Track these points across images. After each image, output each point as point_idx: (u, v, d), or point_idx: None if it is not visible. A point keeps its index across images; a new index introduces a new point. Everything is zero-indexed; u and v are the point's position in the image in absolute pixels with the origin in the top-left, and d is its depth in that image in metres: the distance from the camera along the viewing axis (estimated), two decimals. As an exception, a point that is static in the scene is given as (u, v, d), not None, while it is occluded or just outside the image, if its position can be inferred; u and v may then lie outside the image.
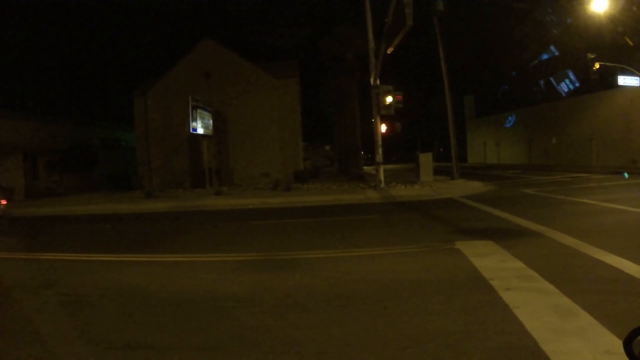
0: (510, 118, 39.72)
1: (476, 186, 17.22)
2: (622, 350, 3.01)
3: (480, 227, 8.48)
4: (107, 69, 39.87)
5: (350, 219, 10.75)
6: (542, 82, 39.72)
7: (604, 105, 26.78)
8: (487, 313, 3.88)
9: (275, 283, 5.32)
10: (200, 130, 20.13)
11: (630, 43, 23.60)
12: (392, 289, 4.79)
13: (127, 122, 27.27)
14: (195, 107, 19.53)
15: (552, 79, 38.07)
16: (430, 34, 20.82)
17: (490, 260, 5.61)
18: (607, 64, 21.67)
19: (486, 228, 8.25)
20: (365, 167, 30.98)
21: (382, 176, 17.08)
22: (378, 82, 16.60)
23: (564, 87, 36.89)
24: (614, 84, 23.11)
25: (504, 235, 7.31)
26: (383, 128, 18.49)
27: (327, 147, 45.60)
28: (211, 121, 21.48)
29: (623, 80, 21.85)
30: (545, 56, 38.56)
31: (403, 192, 15.51)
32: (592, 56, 21.01)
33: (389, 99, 16.61)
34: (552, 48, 37.17)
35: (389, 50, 14.60)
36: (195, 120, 19.51)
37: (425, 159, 19.39)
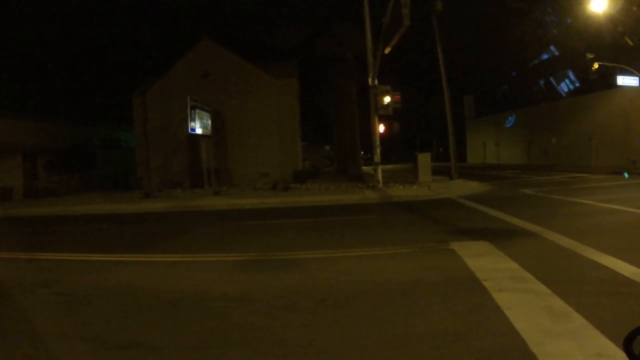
0: (510, 118, 39.69)
1: (474, 186, 17.20)
2: (613, 353, 3.03)
3: (477, 227, 8.46)
4: (107, 69, 39.91)
5: (347, 219, 10.75)
6: (542, 82, 39.70)
7: (604, 106, 26.75)
8: (479, 314, 3.86)
9: (270, 283, 5.33)
10: (198, 130, 20.12)
11: (630, 43, 23.56)
12: (384, 290, 4.78)
13: (127, 122, 27.28)
14: (193, 107, 19.53)
15: (552, 79, 38.05)
16: (430, 34, 20.79)
17: (485, 261, 5.58)
18: (607, 64, 21.66)
19: (482, 228, 8.23)
20: (364, 167, 30.97)
21: (380, 176, 17.06)
22: (376, 82, 16.59)
23: (563, 87, 36.86)
24: (613, 84, 23.10)
25: (499, 235, 7.29)
26: (381, 128, 18.49)
27: (327, 147, 45.60)
28: (210, 121, 21.48)
29: (622, 80, 21.84)
30: (545, 56, 38.54)
31: (401, 192, 15.49)
32: (591, 56, 21.00)
33: (387, 99, 16.60)
34: (552, 48, 37.16)
35: (387, 51, 14.58)
36: (193, 120, 19.51)
37: (424, 159, 19.37)
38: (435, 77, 21.75)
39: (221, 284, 5.40)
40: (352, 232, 8.86)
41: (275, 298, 4.65)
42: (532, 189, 15.60)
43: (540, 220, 8.44)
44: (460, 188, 16.52)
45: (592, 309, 3.78)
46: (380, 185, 16.86)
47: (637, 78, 21.63)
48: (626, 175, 18.14)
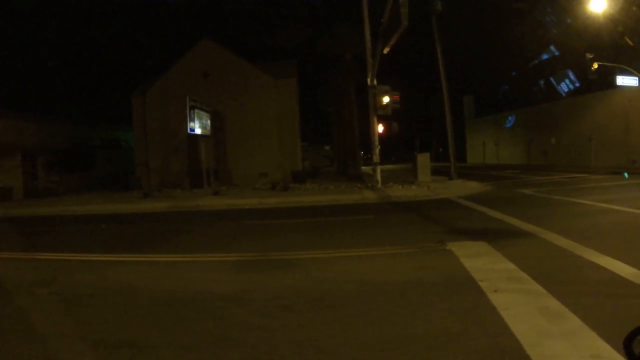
0: (510, 118, 39.69)
1: (474, 186, 17.19)
2: (609, 354, 3.02)
3: (475, 227, 8.46)
4: (107, 69, 39.91)
5: (345, 219, 10.75)
6: (542, 82, 39.68)
7: (603, 106, 26.73)
8: (474, 315, 3.85)
9: (266, 283, 5.33)
10: (198, 131, 20.12)
11: (630, 43, 23.55)
12: (380, 290, 4.77)
13: (127, 122, 27.27)
14: (193, 107, 19.52)
15: (552, 79, 38.02)
16: (430, 34, 20.78)
17: (481, 262, 5.57)
18: (606, 64, 21.65)
19: (480, 229, 8.23)
20: (364, 167, 30.96)
21: (379, 176, 17.05)
22: (375, 82, 16.58)
23: (563, 87, 36.84)
24: (612, 84, 23.08)
25: (497, 236, 7.28)
26: (380, 128, 18.48)
27: (327, 148, 45.58)
28: (209, 121, 21.47)
29: (622, 80, 21.83)
30: (545, 56, 38.51)
31: (400, 192, 15.48)
32: (591, 56, 20.99)
33: (386, 99, 16.60)
34: (552, 48, 37.12)
35: (385, 51, 14.58)
36: (193, 120, 19.51)
37: (423, 159, 19.37)
38: (435, 77, 21.75)
39: (219, 284, 5.41)
40: (350, 232, 8.86)
41: (273, 298, 4.65)
42: (531, 189, 15.58)
43: (538, 220, 8.43)
44: (459, 188, 16.51)
45: (588, 310, 3.76)
46: (379, 185, 16.85)
47: (637, 78, 21.62)
48: (626, 175, 18.12)
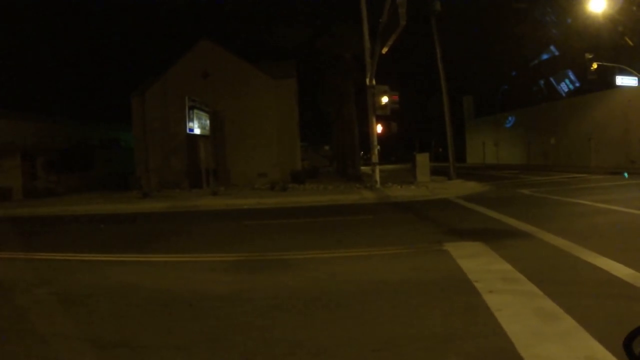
0: (510, 118, 39.68)
1: (473, 186, 17.17)
2: (602, 356, 3.00)
3: (472, 228, 8.44)
4: (106, 69, 39.93)
5: (343, 219, 10.74)
6: (542, 82, 39.66)
7: (603, 106, 26.71)
8: (468, 316, 3.84)
9: (261, 284, 5.33)
10: (197, 131, 20.11)
11: (630, 43, 23.53)
12: (375, 290, 4.77)
13: (127, 122, 27.28)
14: (192, 107, 19.52)
15: (552, 79, 38.01)
16: (429, 35, 20.76)
17: (477, 262, 5.56)
18: (605, 64, 21.63)
19: (478, 229, 8.21)
20: (363, 167, 30.96)
21: (377, 176, 17.04)
22: (374, 82, 16.56)
23: (564, 87, 36.83)
24: (612, 84, 23.06)
25: (494, 236, 7.27)
26: (379, 128, 18.47)
27: (327, 148, 45.59)
28: (208, 121, 21.46)
29: (621, 80, 21.82)
30: (545, 56, 38.49)
31: (398, 192, 15.47)
32: (590, 56, 20.98)
33: (385, 99, 16.58)
34: (552, 48, 37.10)
35: (384, 51, 14.56)
36: (192, 120, 19.50)
37: (422, 159, 19.36)
38: (435, 78, 21.73)
39: (216, 284, 5.42)
40: (348, 232, 8.84)
41: (269, 298, 4.65)
42: (530, 189, 15.56)
43: (536, 221, 8.41)
44: (458, 188, 16.50)
45: (583, 311, 3.74)
46: (378, 185, 16.84)
47: (636, 78, 21.61)
48: (626, 175, 18.11)
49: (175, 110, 21.51)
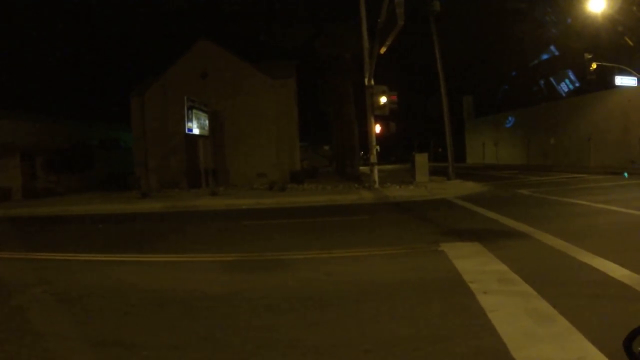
0: (510, 118, 39.66)
1: (471, 187, 17.16)
2: (595, 357, 2.98)
3: (469, 228, 8.43)
4: (106, 69, 39.94)
5: (341, 219, 10.75)
6: (542, 82, 39.66)
7: (602, 106, 26.70)
8: (462, 317, 3.84)
9: (257, 284, 5.33)
10: (196, 131, 20.11)
11: (630, 43, 23.52)
12: (370, 291, 4.77)
13: (126, 122, 27.25)
14: (191, 108, 19.51)
15: (552, 79, 38.00)
16: (429, 34, 20.74)
17: (473, 263, 5.56)
18: (605, 64, 21.61)
19: (475, 229, 8.20)
20: (362, 168, 30.97)
21: (376, 177, 17.03)
22: (372, 82, 16.54)
23: (563, 87, 36.84)
24: (612, 84, 23.04)
25: (491, 236, 7.27)
26: (377, 128, 18.45)
27: (326, 147, 45.58)
28: (207, 121, 21.46)
29: (620, 80, 21.80)
30: (545, 56, 38.48)
31: (397, 192, 15.46)
32: (590, 56, 20.97)
33: (384, 99, 16.56)
34: (552, 48, 37.09)
35: (382, 51, 14.54)
36: (191, 120, 19.50)
37: (421, 159, 19.35)
38: (434, 78, 21.70)
39: (213, 284, 5.42)
40: (345, 232, 8.85)
41: (263, 298, 4.65)
42: (529, 189, 15.55)
43: (534, 221, 8.40)
44: (457, 188, 16.48)
45: (578, 312, 3.74)
46: (377, 185, 16.83)
47: (636, 78, 21.59)
48: (626, 175, 18.09)
49: (174, 111, 21.50)
